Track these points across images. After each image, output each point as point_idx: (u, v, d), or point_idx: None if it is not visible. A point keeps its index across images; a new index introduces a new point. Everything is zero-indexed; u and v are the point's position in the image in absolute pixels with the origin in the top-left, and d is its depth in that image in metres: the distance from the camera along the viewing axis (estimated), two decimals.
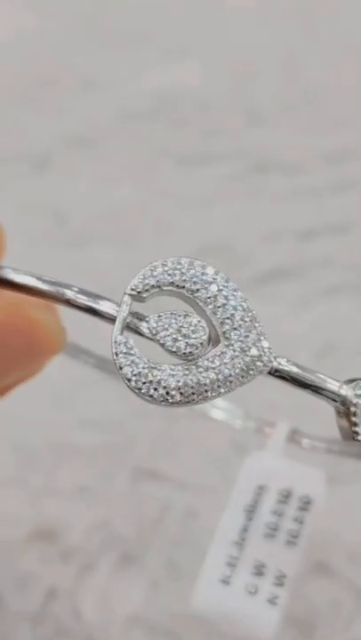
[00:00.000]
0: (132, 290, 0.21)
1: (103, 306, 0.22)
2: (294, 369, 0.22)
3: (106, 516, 0.37)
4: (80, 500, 0.37)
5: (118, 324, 0.21)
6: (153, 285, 0.21)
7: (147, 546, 0.37)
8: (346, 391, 0.22)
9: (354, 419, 0.22)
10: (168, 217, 0.47)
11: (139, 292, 0.21)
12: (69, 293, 0.22)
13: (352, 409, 0.22)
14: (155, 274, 0.21)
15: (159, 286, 0.21)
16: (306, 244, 0.46)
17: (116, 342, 0.21)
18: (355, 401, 0.22)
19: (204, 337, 0.21)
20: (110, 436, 0.39)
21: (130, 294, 0.21)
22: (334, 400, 0.22)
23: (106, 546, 0.37)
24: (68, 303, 0.22)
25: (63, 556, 0.37)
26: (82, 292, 0.22)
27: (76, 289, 0.22)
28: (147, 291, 0.21)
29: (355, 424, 0.22)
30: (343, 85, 0.53)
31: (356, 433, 0.22)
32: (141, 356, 0.21)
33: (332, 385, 0.22)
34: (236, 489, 0.27)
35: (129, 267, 0.44)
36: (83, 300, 0.22)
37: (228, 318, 0.21)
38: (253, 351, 0.21)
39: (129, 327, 0.21)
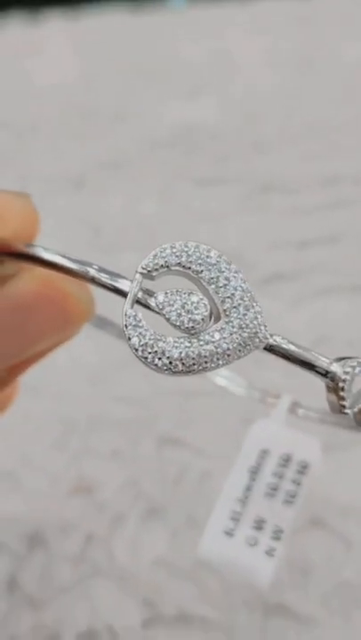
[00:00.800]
0: (143, 268, 0.21)
1: (121, 284, 0.21)
2: (290, 346, 0.21)
3: (135, 476, 0.38)
4: (113, 463, 0.38)
5: (129, 298, 0.21)
6: (162, 265, 0.21)
7: (169, 501, 0.37)
8: (335, 368, 0.21)
9: (342, 393, 0.21)
10: (187, 229, 0.48)
11: (149, 271, 0.21)
12: (92, 271, 0.22)
13: (340, 384, 0.21)
14: (163, 255, 0.21)
15: (167, 266, 0.21)
16: (303, 252, 0.46)
17: (126, 315, 0.20)
18: (343, 377, 0.21)
19: (206, 313, 0.20)
20: (138, 409, 0.39)
21: (141, 272, 0.21)
22: (325, 376, 0.21)
23: (134, 501, 0.37)
24: (92, 280, 0.22)
25: (99, 508, 0.37)
26: (102, 270, 0.21)
27: (96, 267, 0.22)
28: (156, 270, 0.21)
29: (342, 398, 0.21)
30: (338, 120, 0.53)
31: (344, 406, 0.21)
32: (148, 328, 0.20)
33: (323, 362, 0.21)
34: (242, 452, 0.27)
35: None
36: (103, 277, 0.21)
37: (228, 297, 0.21)
38: (251, 328, 0.21)
39: (139, 302, 0.21)
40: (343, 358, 0.21)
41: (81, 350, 0.42)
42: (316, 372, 0.21)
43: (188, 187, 0.50)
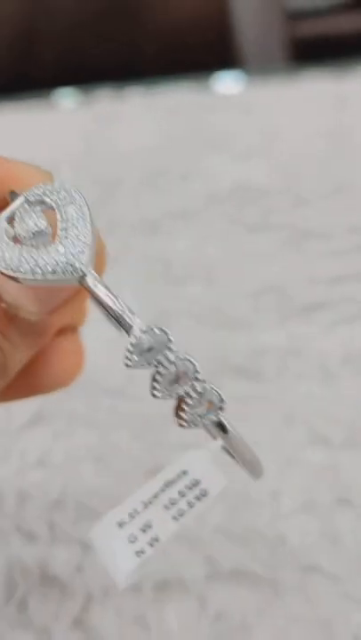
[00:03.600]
0: (25, 196, 0.20)
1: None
2: (99, 288, 0.19)
3: None
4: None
5: (5, 213, 0.20)
6: (37, 193, 0.20)
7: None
8: (135, 323, 0.19)
9: (130, 348, 0.19)
10: (240, 266, 0.49)
11: (26, 197, 0.20)
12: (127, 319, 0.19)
13: (132, 339, 0.19)
14: (36, 192, 0.20)
15: (43, 202, 0.20)
16: (334, 286, 0.46)
17: None
18: (138, 334, 0.19)
19: (35, 229, 0.19)
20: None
21: (25, 196, 0.20)
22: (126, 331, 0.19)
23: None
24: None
25: None
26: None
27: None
28: (33, 199, 0.20)
29: (130, 352, 0.19)
30: None
31: (127, 358, 0.19)
32: (5, 240, 0.19)
33: (128, 315, 0.19)
34: (168, 466, 0.25)
35: (213, 298, 0.48)
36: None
37: (65, 229, 0.19)
38: (71, 256, 0.19)
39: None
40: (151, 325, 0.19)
41: None
42: (116, 320, 0.19)
43: (240, 233, 0.51)
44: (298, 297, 0.46)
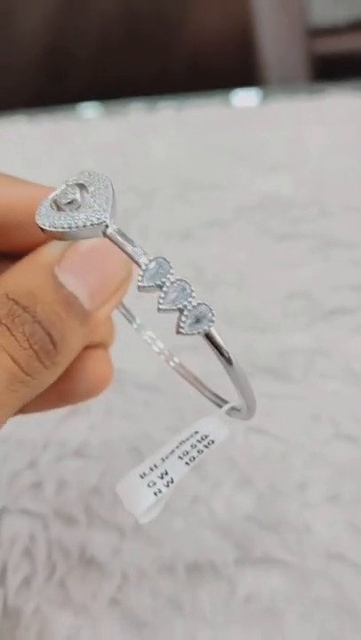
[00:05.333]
0: (65, 182, 0.24)
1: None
2: (117, 237, 0.23)
3: (230, 454, 0.40)
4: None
5: (52, 194, 0.24)
6: (75, 179, 0.24)
7: (256, 473, 0.39)
8: (143, 259, 0.22)
9: (140, 273, 0.22)
10: (268, 273, 0.50)
11: (75, 182, 0.24)
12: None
13: (142, 267, 0.22)
14: (74, 178, 0.24)
15: (76, 179, 0.24)
16: (358, 292, 0.47)
17: (42, 205, 0.24)
18: (146, 263, 0.22)
19: (70, 199, 0.23)
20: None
21: (65, 182, 0.24)
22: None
23: (230, 471, 0.39)
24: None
25: (203, 477, 0.39)
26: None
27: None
28: (74, 182, 0.24)
29: (140, 276, 0.22)
30: None
31: (139, 281, 0.22)
32: (46, 206, 0.24)
33: (134, 251, 0.22)
34: (183, 431, 0.27)
35: (244, 302, 0.49)
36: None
37: (93, 197, 0.23)
38: (97, 212, 0.23)
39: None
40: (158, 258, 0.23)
41: None
42: (129, 256, 0.23)
43: (268, 241, 0.52)
44: (323, 302, 0.48)
